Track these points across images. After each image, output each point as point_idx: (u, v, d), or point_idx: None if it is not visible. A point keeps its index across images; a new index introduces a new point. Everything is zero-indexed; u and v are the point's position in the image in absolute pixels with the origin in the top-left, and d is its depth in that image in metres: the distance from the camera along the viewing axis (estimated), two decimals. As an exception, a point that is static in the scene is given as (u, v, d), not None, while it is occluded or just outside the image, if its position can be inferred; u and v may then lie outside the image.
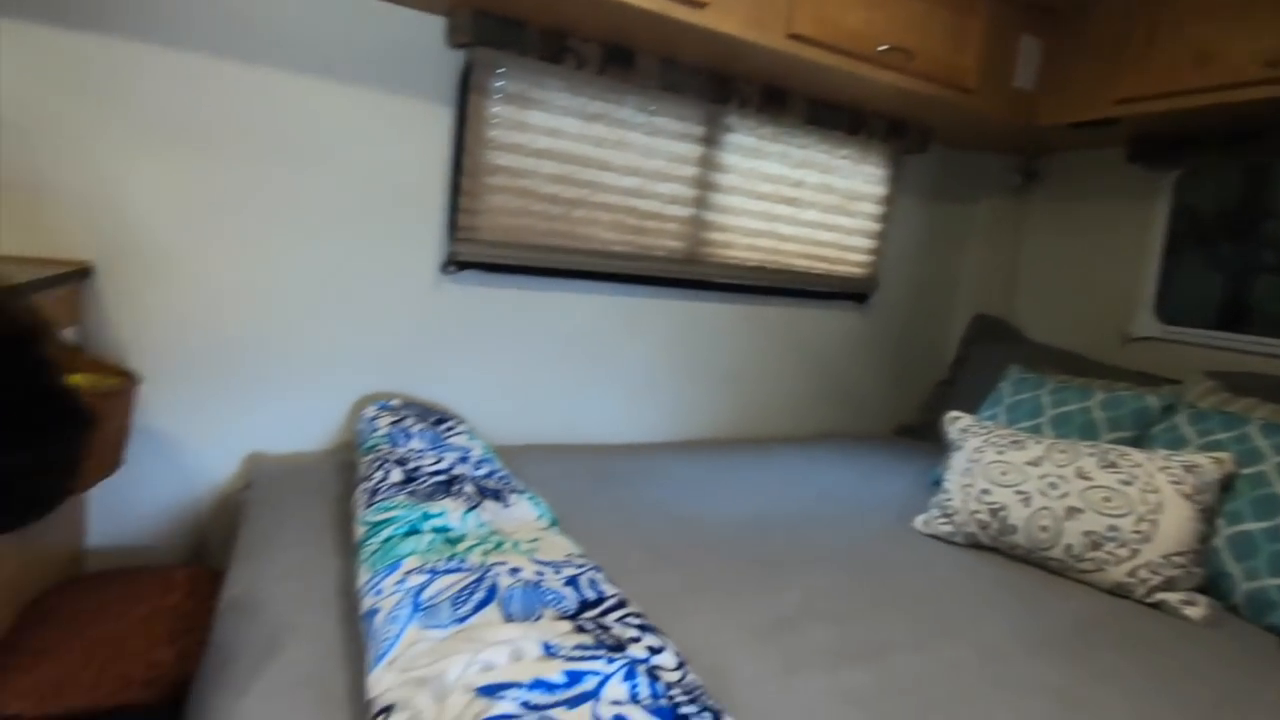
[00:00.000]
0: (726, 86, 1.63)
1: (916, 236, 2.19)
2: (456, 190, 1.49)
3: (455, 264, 1.53)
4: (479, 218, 1.51)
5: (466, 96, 1.45)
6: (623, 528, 1.25)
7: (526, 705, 0.62)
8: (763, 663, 0.87)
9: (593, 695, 0.65)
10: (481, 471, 1.22)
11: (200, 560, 1.43)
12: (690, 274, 1.79)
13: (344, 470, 1.37)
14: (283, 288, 1.42)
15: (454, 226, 1.51)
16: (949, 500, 1.39)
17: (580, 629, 0.77)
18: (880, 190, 2.00)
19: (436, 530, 0.98)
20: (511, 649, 0.70)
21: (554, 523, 1.13)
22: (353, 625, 0.86)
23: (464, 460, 1.25)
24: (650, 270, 1.72)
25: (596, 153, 1.59)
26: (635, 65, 1.52)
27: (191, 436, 1.40)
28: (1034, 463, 1.33)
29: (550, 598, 0.82)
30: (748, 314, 1.95)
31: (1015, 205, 2.23)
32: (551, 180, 1.56)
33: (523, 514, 1.12)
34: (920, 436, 2.21)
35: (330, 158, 1.41)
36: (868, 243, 2.03)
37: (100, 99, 1.23)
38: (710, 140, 1.72)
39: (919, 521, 1.43)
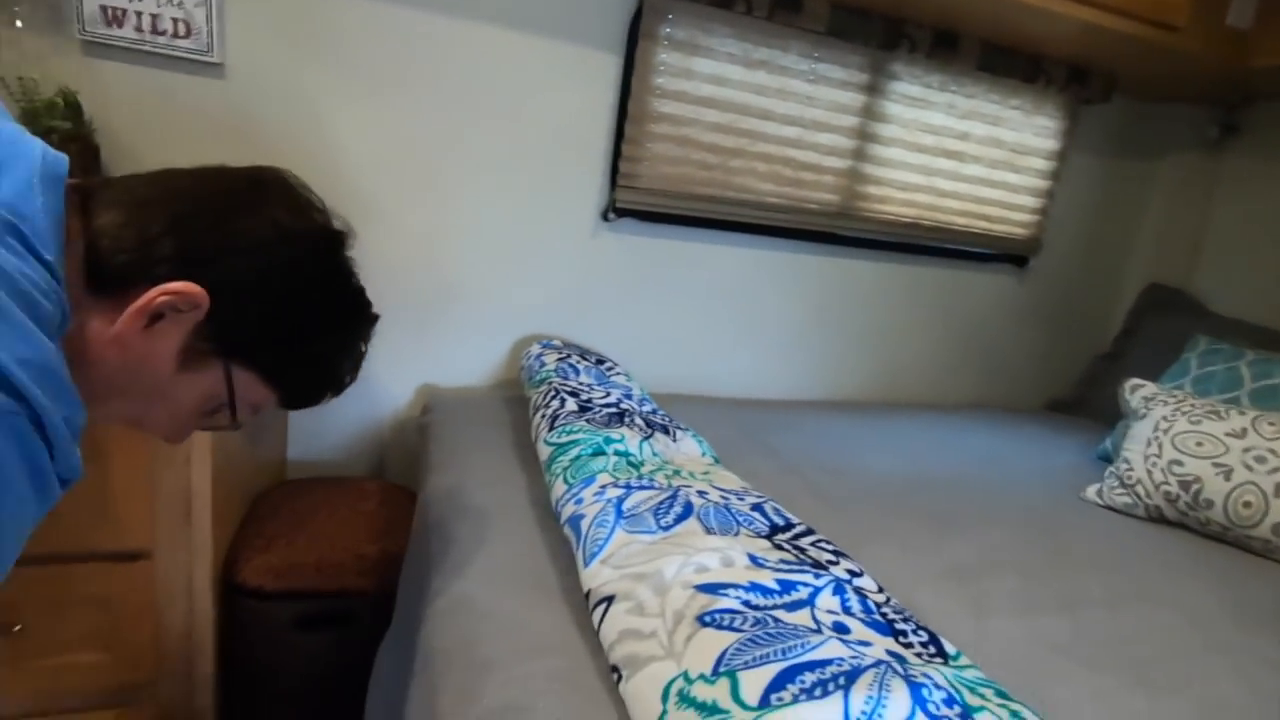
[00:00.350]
0: (896, 30, 1.56)
1: (1089, 196, 2.02)
2: (620, 137, 1.52)
3: (615, 211, 1.57)
4: (640, 165, 1.54)
5: (635, 43, 1.47)
6: (781, 474, 1.26)
7: (747, 605, 0.65)
8: (950, 603, 0.86)
9: (807, 603, 0.67)
10: (647, 408, 1.26)
11: (381, 476, 1.56)
12: (843, 228, 1.74)
13: (511, 403, 1.45)
14: (458, 231, 1.51)
15: (615, 173, 1.54)
16: (1129, 470, 1.30)
17: (778, 547, 0.79)
18: (1053, 144, 1.86)
19: (619, 454, 1.02)
20: (721, 556, 0.73)
21: (717, 460, 1.15)
22: (550, 531, 0.92)
23: (628, 397, 1.30)
24: (803, 223, 1.70)
25: (758, 101, 1.57)
26: (803, 9, 1.48)
27: (375, 366, 1.53)
28: (1237, 434, 1.22)
29: (742, 519, 0.84)
30: (897, 273, 1.89)
31: (1207, 163, 2.01)
32: (712, 129, 1.56)
33: (689, 449, 1.15)
34: (1074, 412, 2.07)
35: (505, 106, 1.47)
36: (1034, 201, 1.90)
37: (316, 50, 1.34)
38: (873, 89, 1.66)
39: (1091, 492, 1.35)
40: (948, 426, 1.74)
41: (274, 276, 0.59)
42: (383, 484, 1.40)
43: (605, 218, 1.58)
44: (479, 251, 1.54)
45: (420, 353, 1.56)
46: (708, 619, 0.62)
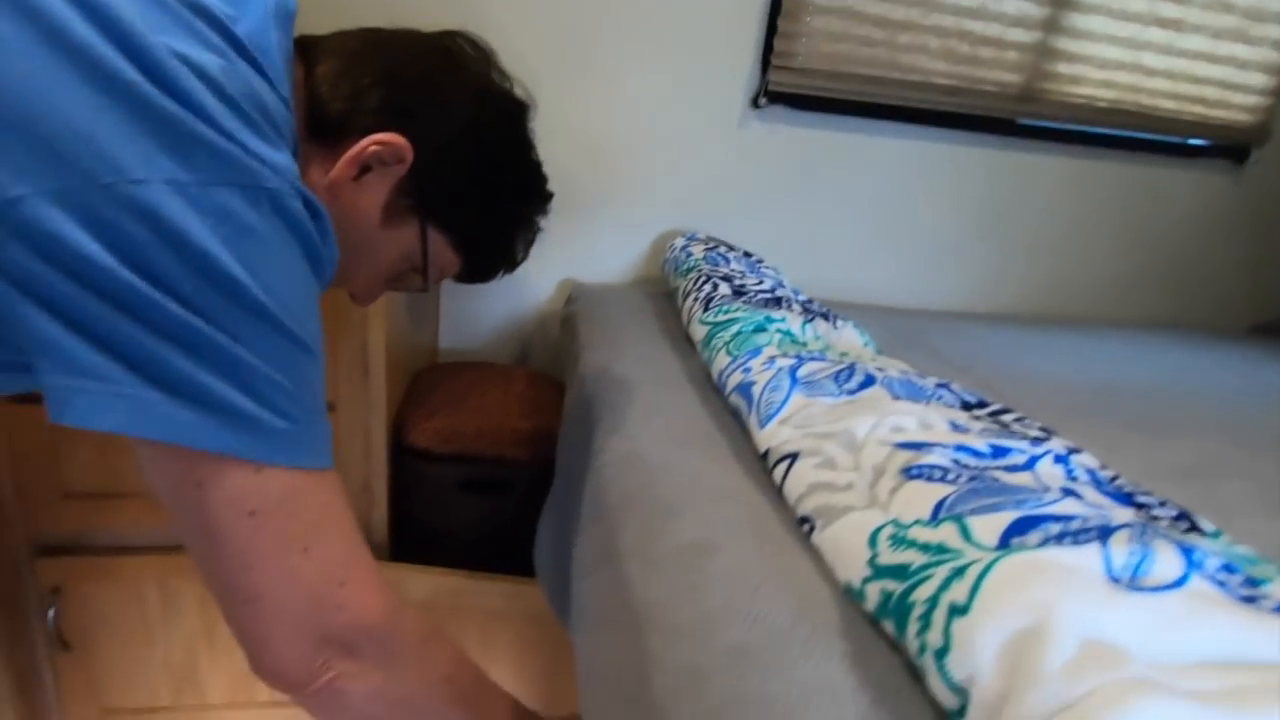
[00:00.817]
0: None
1: (1338, 75, 1.68)
2: (776, 11, 1.40)
3: (766, 95, 1.46)
4: (797, 43, 1.41)
5: (799, -100, 1.33)
6: (950, 374, 1.15)
7: (957, 464, 0.59)
8: (1180, 501, 0.75)
9: (1026, 468, 0.60)
10: (802, 297, 1.19)
11: (524, 364, 1.60)
12: (1023, 114, 1.54)
13: (654, 297, 1.42)
14: (601, 121, 1.47)
15: (769, 52, 1.43)
16: (1385, 386, 1.09)
17: (977, 419, 0.71)
18: (1299, 8, 1.54)
19: (781, 332, 0.96)
20: (917, 419, 0.66)
21: (880, 352, 1.07)
22: (712, 404, 0.89)
23: (781, 286, 1.23)
24: (976, 108, 1.51)
25: (935, -37, 1.39)
26: None
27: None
28: None
29: (930, 393, 0.77)
30: (1081, 171, 1.66)
31: None
32: (880, -2, 1.40)
33: (850, 337, 1.07)
34: (1287, 337, 1.79)
35: (656, -22, 1.38)
36: (1266, 80, 1.59)
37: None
38: (1076, -57, 1.43)
39: (1329, 410, 1.15)
40: (1132, 342, 1.54)
41: (469, 136, 0.60)
42: (528, 370, 1.42)
43: (755, 104, 1.48)
44: (621, 143, 1.49)
45: (561, 247, 1.55)
46: (914, 472, 0.56)
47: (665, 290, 1.45)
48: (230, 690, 1.11)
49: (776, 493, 0.66)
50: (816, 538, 0.57)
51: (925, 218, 1.65)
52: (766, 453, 0.70)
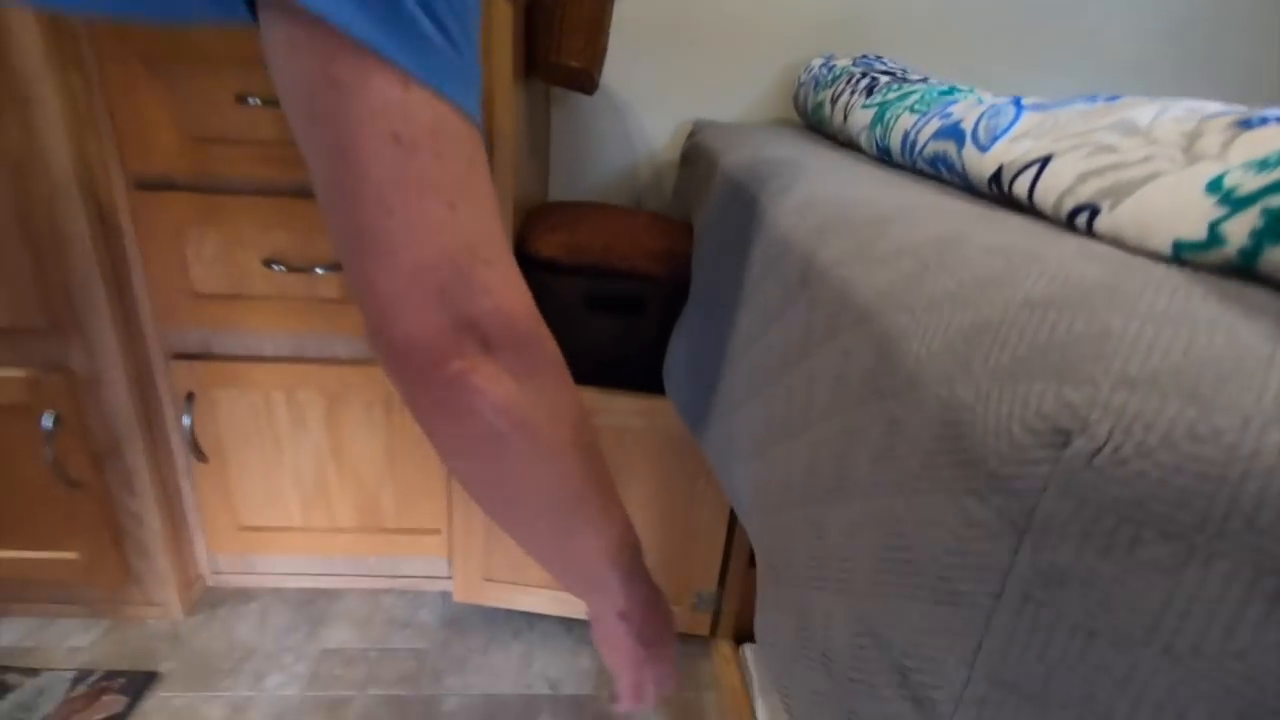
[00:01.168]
0: None
1: None
2: None
3: (923, -116, 1.25)
4: None
5: None
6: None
7: (1304, 124, 0.43)
8: None
9: (1407, 131, 0.44)
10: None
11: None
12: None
13: (788, 126, 1.28)
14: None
15: None
16: None
17: (1287, 125, 0.55)
18: None
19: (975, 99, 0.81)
20: (1214, 106, 0.51)
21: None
22: (889, 169, 0.76)
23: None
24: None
25: None
26: None
27: (632, 101, 1.42)
28: None
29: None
30: (1308, -26, 1.37)
31: None
32: None
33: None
34: None
35: None
36: None
37: None
38: None
39: None
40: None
41: None
42: (647, 212, 1.32)
43: (908, -102, 1.28)
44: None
45: (675, 84, 1.42)
46: (1253, 122, 0.42)
47: (799, 125, 1.31)
48: (358, 514, 1.10)
49: (1022, 208, 0.53)
50: (1106, 219, 0.44)
51: (1103, 38, 1.41)
52: (999, 171, 0.56)
